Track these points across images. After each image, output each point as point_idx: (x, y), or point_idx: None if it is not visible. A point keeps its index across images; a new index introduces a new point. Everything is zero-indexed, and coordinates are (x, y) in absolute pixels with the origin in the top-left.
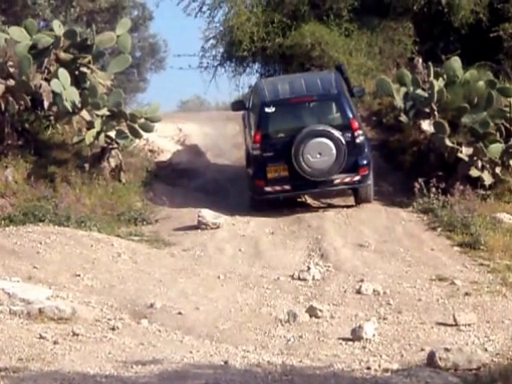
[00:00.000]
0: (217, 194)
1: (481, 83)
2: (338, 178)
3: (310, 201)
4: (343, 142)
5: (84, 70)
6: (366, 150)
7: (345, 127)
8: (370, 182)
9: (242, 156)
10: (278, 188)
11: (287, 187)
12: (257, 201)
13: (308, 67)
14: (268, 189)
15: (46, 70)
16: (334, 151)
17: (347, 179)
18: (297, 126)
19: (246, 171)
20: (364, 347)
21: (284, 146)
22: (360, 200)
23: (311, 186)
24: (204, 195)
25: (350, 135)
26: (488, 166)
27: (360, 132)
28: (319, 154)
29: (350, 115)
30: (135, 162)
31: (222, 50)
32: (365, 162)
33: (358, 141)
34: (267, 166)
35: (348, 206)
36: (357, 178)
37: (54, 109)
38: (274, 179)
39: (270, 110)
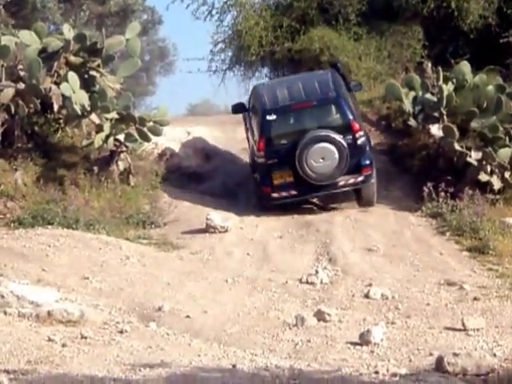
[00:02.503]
0: (225, 197)
1: (490, 88)
2: (342, 180)
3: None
4: (345, 145)
5: (93, 73)
6: (367, 150)
7: (346, 129)
8: (374, 181)
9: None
10: (284, 194)
11: (293, 192)
12: (265, 203)
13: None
14: (275, 195)
15: (56, 74)
16: (337, 155)
17: (351, 180)
18: (299, 132)
19: (252, 176)
20: (372, 351)
21: (288, 152)
22: (363, 201)
23: (317, 190)
24: (212, 199)
25: (351, 137)
26: (497, 170)
27: (361, 133)
28: (322, 158)
29: (351, 117)
30: (144, 165)
31: (230, 53)
32: (367, 162)
33: (359, 142)
34: (272, 173)
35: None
36: (360, 178)
37: (64, 112)
38: (279, 185)
39: (271, 117)
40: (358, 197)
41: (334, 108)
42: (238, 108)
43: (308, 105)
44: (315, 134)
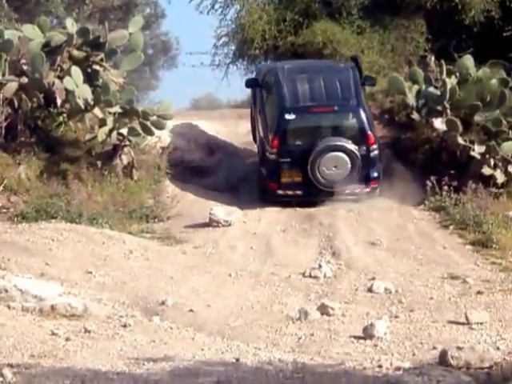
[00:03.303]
0: (228, 191)
1: (493, 81)
2: (349, 189)
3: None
4: (358, 156)
5: (96, 67)
6: (378, 163)
7: (361, 140)
8: (377, 192)
9: (253, 154)
10: (289, 192)
11: (299, 192)
12: (269, 198)
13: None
14: (280, 192)
15: (59, 68)
16: (349, 165)
17: (357, 190)
18: (315, 134)
19: (259, 169)
20: (376, 345)
21: (300, 154)
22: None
23: (322, 194)
24: (215, 193)
25: (365, 149)
26: (500, 164)
27: (375, 146)
28: (335, 167)
29: (368, 129)
30: (147, 159)
31: (233, 47)
32: (375, 174)
33: (372, 154)
34: (282, 171)
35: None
36: (367, 189)
37: (67, 106)
38: (287, 184)
39: (289, 116)
40: None
41: (352, 116)
42: (251, 82)
43: (328, 110)
44: (331, 142)
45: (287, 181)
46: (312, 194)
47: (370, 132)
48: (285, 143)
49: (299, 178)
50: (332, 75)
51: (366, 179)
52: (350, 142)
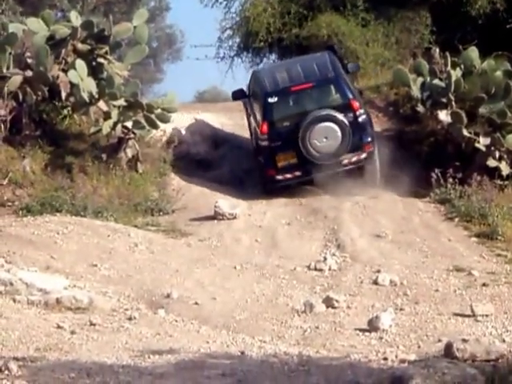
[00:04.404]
0: (233, 184)
1: (498, 73)
2: (345, 159)
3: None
4: (347, 123)
5: (101, 60)
6: (368, 127)
7: (346, 108)
8: (376, 158)
9: None
10: (288, 175)
11: (298, 173)
12: (269, 186)
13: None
14: (279, 177)
15: (64, 61)
16: (339, 134)
17: (354, 158)
18: (300, 113)
19: (256, 160)
20: (381, 338)
21: (290, 134)
22: (367, 179)
23: (320, 170)
24: (220, 185)
25: (352, 115)
26: (505, 156)
27: (361, 111)
28: (325, 138)
29: (350, 96)
30: (152, 152)
31: (238, 40)
32: (369, 139)
33: (360, 120)
34: (276, 155)
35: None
36: (363, 155)
37: (72, 99)
38: (284, 167)
39: (272, 100)
40: (362, 175)
41: (333, 88)
42: (238, 94)
43: (308, 86)
44: (317, 114)
45: (284, 164)
46: (311, 172)
47: (353, 98)
48: (274, 127)
49: (294, 159)
50: (308, 61)
51: (360, 145)
52: (335, 111)
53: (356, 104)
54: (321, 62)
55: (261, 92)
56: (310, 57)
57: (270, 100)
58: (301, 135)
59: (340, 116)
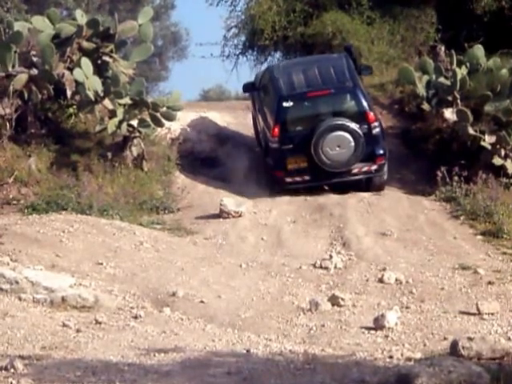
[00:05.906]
0: (238, 182)
1: (504, 71)
2: (356, 168)
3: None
4: (361, 134)
5: (106, 59)
6: (381, 140)
7: (361, 119)
8: (385, 172)
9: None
10: (297, 179)
11: (307, 178)
12: (277, 187)
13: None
14: (288, 180)
15: (69, 59)
16: (353, 144)
17: (365, 168)
18: (314, 119)
19: (264, 161)
20: (386, 336)
21: (303, 139)
22: (373, 188)
23: (330, 177)
24: (225, 183)
25: (366, 127)
26: (511, 154)
27: (376, 124)
28: (338, 146)
29: (367, 108)
30: (157, 150)
31: (243, 38)
32: (381, 151)
33: (374, 132)
34: (286, 158)
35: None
36: (374, 167)
37: (77, 98)
38: (293, 170)
39: (287, 104)
40: (369, 184)
41: (349, 97)
42: (249, 87)
43: (325, 93)
44: (332, 122)
45: (293, 167)
46: (320, 178)
47: (369, 110)
48: (286, 130)
49: (305, 164)
50: (326, 64)
51: (372, 157)
52: (350, 120)
53: (371, 116)
54: (338, 65)
55: (275, 93)
56: (326, 58)
57: (285, 104)
58: (314, 142)
59: (355, 126)
